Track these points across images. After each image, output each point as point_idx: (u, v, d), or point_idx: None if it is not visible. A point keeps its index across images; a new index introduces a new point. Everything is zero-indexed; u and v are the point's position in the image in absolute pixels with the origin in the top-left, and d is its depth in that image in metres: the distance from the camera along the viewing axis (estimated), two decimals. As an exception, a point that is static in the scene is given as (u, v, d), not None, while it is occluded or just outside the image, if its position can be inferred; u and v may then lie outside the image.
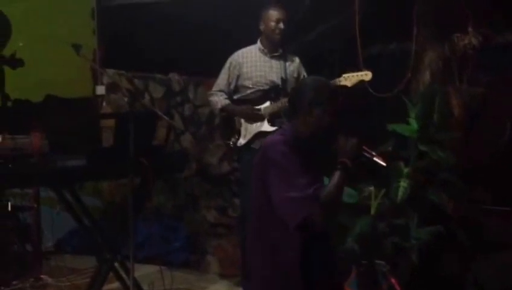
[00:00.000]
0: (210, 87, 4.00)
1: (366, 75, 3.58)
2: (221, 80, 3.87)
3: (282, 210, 2.13)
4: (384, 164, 2.23)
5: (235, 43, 3.96)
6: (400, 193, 3.47)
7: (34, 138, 3.57)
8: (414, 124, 3.63)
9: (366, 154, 2.23)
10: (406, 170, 3.54)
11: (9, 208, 3.70)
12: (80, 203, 3.37)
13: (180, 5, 4.87)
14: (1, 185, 3.60)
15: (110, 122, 3.96)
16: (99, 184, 4.85)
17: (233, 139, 3.82)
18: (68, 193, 3.31)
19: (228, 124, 3.84)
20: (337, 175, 2.15)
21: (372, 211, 3.49)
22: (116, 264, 3.33)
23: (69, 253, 4.27)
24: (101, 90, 5.12)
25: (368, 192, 3.52)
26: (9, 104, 4.54)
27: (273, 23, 3.70)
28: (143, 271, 3.80)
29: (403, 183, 3.49)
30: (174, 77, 5.11)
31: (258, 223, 2.28)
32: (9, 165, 3.10)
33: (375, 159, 2.23)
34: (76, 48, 3.24)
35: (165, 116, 3.42)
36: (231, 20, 4.40)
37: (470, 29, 3.73)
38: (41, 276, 3.70)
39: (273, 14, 3.71)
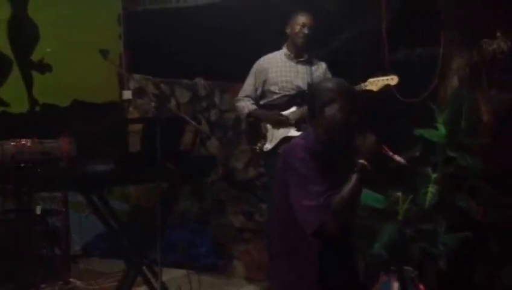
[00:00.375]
0: (236, 92, 4.02)
1: (393, 80, 3.57)
2: (248, 86, 3.89)
3: (299, 217, 2.14)
4: (404, 161, 2.18)
5: (261, 49, 3.98)
6: (428, 199, 3.44)
7: (62, 143, 3.62)
8: (442, 129, 3.60)
9: (385, 153, 2.19)
10: (433, 176, 3.51)
11: (38, 212, 3.74)
12: (107, 207, 3.40)
13: (207, 11, 4.90)
14: (30, 189, 3.67)
15: (137, 127, 4.00)
16: (126, 188, 4.90)
17: (259, 144, 3.83)
18: (96, 197, 3.34)
19: (255, 129, 3.85)
20: (353, 178, 2.12)
21: (400, 217, 3.47)
22: (144, 268, 3.36)
23: (97, 256, 4.30)
24: (127, 95, 5.17)
25: (395, 197, 3.50)
26: (37, 108, 4.62)
27: (298, 27, 3.73)
28: (170, 275, 3.82)
29: (431, 189, 3.46)
30: (200, 82, 5.14)
31: (279, 227, 2.30)
32: (38, 169, 3.14)
33: (394, 157, 2.18)
34: (104, 53, 3.28)
35: (192, 121, 3.44)
36: (257, 25, 4.40)
37: (498, 33, 3.69)
38: (70, 279, 3.74)
39: (299, 18, 3.74)
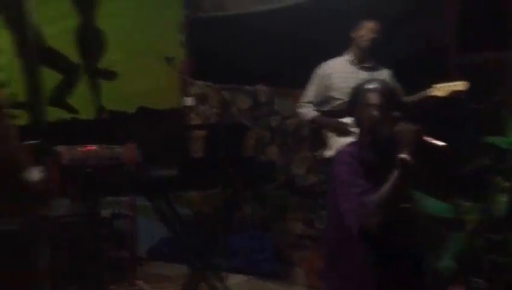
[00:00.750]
0: (296, 98, 4.00)
1: (460, 86, 3.45)
2: (310, 92, 3.86)
3: (346, 221, 2.13)
4: (443, 144, 2.08)
5: (322, 55, 3.94)
6: (499, 208, 3.31)
7: (128, 148, 3.70)
8: (513, 137, 3.46)
9: (426, 141, 2.09)
10: (504, 185, 3.38)
11: (106, 216, 3.84)
12: (172, 212, 3.45)
13: (267, 16, 4.91)
14: (98, 193, 3.77)
15: (200, 133, 4.06)
16: (189, 194, 4.96)
17: (320, 151, 3.80)
18: (161, 201, 3.40)
19: (316, 135, 3.82)
20: (393, 175, 2.05)
21: (469, 227, 3.36)
22: (207, 273, 3.38)
23: (161, 260, 4.37)
24: (189, 101, 5.25)
25: (464, 207, 3.39)
26: (104, 115, 4.75)
27: (365, 31, 3.67)
28: (232, 281, 3.82)
29: (502, 198, 3.33)
30: (260, 88, 5.15)
31: (332, 233, 2.30)
32: (105, 174, 3.23)
33: (436, 143, 2.08)
34: (169, 60, 3.35)
35: (253, 128, 3.45)
36: (318, 31, 4.38)
37: None
38: (136, 281, 3.81)
39: (367, 23, 3.67)
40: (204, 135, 3.53)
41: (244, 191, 3.18)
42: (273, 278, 4.21)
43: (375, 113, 2.18)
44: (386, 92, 2.25)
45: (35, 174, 2.60)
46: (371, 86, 2.27)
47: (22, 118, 4.11)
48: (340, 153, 2.27)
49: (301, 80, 3.97)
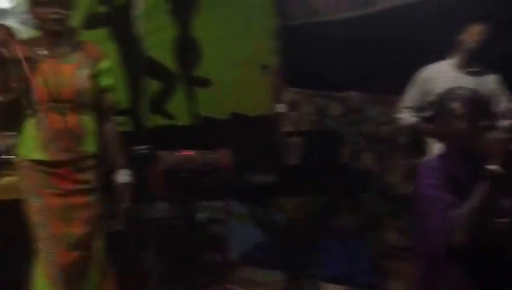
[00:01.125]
0: (391, 104, 3.91)
1: None
2: (410, 97, 3.76)
3: (433, 237, 2.08)
4: None
5: (419, 59, 3.84)
6: None
7: (223, 154, 3.77)
8: None
9: None
10: None
11: (202, 220, 3.93)
12: (268, 217, 3.48)
13: (360, 23, 4.86)
14: (193, 197, 3.88)
15: (294, 139, 4.08)
16: (283, 200, 4.98)
17: (418, 159, 3.69)
18: (257, 207, 3.44)
19: (416, 142, 3.72)
20: (481, 188, 1.95)
21: None
22: (302, 281, 3.37)
23: (254, 266, 4.40)
24: (282, 108, 5.28)
25: None
26: (199, 121, 4.88)
27: (472, 34, 3.52)
28: (328, 290, 3.79)
29: None
30: (353, 94, 5.10)
31: (423, 246, 2.24)
32: (201, 180, 3.32)
33: None
34: (265, 68, 3.39)
35: (348, 134, 3.41)
36: (413, 36, 4.27)
37: None
38: (229, 286, 3.86)
39: (475, 26, 3.53)
40: (298, 141, 3.53)
41: (340, 199, 3.14)
42: (370, 289, 4.12)
43: (462, 125, 2.08)
44: (473, 100, 2.13)
45: (125, 176, 2.72)
46: (457, 95, 2.15)
47: (126, 125, 4.30)
48: (424, 165, 2.19)
49: (396, 85, 3.89)
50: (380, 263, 4.33)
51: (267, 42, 5.25)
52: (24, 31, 2.63)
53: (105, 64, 2.72)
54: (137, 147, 3.40)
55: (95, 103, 2.67)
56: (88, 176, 2.64)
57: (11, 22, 3.42)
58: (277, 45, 5.34)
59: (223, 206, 4.09)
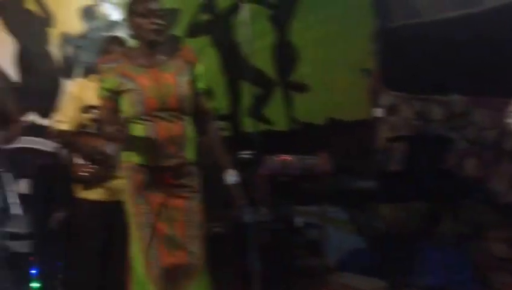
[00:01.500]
0: (497, 108, 3.72)
1: None
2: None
3: None
4: None
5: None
6: None
7: (321, 159, 3.77)
8: None
9: None
10: None
11: (299, 225, 3.94)
12: (368, 224, 3.43)
13: (464, 22, 4.67)
14: (292, 202, 3.90)
15: (395, 145, 3.98)
16: (383, 206, 4.88)
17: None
18: (357, 213, 3.40)
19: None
20: None
21: None
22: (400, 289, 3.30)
23: (350, 271, 4.35)
24: (379, 112, 5.17)
25: None
26: (296, 126, 4.90)
27: None
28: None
29: None
30: (456, 98, 4.90)
31: None
32: (300, 184, 3.33)
33: None
34: (365, 72, 3.34)
35: (452, 139, 3.29)
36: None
37: None
38: (327, 291, 3.85)
39: None
40: (398, 146, 3.44)
41: (442, 206, 3.02)
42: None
43: None
44: None
45: (234, 177, 2.76)
46: None
47: (225, 130, 4.40)
48: None
49: (503, 88, 3.70)
50: (484, 274, 4.12)
51: (365, 45, 5.17)
52: (133, 42, 2.73)
53: (200, 68, 2.76)
54: (242, 152, 3.48)
55: (192, 108, 2.72)
56: (189, 180, 2.70)
57: (121, 33, 3.59)
58: (376, 47, 5.24)
59: (320, 211, 4.09)
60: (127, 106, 2.60)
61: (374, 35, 5.23)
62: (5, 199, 2.98)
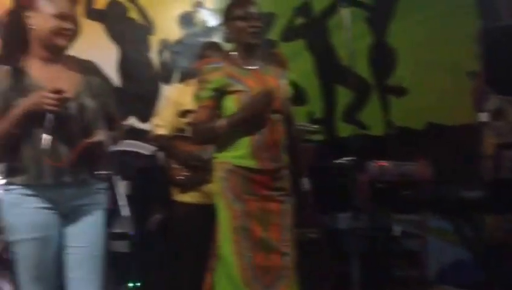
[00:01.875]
0: None
1: None
2: None
3: None
4: None
5: None
6: None
7: (420, 166, 3.61)
8: None
9: None
10: None
11: (397, 233, 3.80)
12: (475, 236, 3.24)
13: None
14: (389, 209, 3.76)
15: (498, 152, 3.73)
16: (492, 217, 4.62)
17: None
18: (461, 223, 3.22)
19: None
20: None
21: None
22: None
23: (452, 285, 4.14)
24: (485, 117, 4.89)
25: None
26: (393, 131, 4.74)
27: None
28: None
29: None
30: None
31: None
32: (398, 191, 3.19)
33: None
34: (471, 75, 3.17)
35: None
36: None
37: None
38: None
39: None
40: (507, 153, 3.21)
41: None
42: None
43: None
44: None
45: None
46: None
47: (319, 134, 4.33)
48: None
49: None
50: None
51: (468, 46, 4.92)
52: (229, 47, 2.73)
53: (289, 72, 2.76)
54: (342, 159, 3.41)
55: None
56: (283, 183, 2.69)
57: (218, 39, 3.64)
58: (480, 48, 4.97)
59: (420, 220, 3.91)
60: (234, 108, 2.60)
61: (478, 35, 4.97)
62: (115, 201, 3.10)
